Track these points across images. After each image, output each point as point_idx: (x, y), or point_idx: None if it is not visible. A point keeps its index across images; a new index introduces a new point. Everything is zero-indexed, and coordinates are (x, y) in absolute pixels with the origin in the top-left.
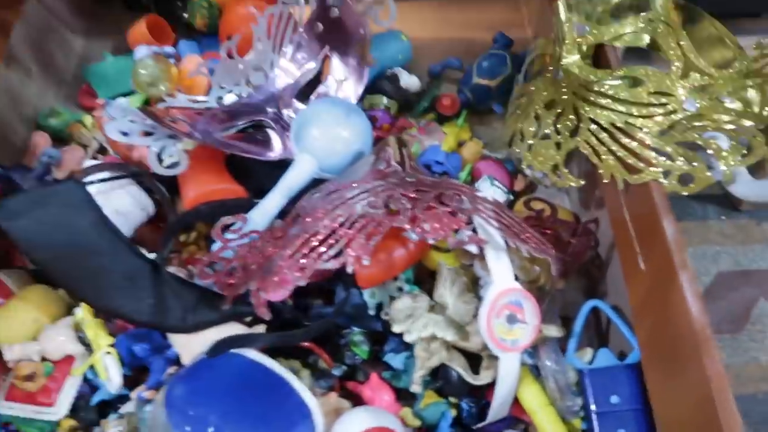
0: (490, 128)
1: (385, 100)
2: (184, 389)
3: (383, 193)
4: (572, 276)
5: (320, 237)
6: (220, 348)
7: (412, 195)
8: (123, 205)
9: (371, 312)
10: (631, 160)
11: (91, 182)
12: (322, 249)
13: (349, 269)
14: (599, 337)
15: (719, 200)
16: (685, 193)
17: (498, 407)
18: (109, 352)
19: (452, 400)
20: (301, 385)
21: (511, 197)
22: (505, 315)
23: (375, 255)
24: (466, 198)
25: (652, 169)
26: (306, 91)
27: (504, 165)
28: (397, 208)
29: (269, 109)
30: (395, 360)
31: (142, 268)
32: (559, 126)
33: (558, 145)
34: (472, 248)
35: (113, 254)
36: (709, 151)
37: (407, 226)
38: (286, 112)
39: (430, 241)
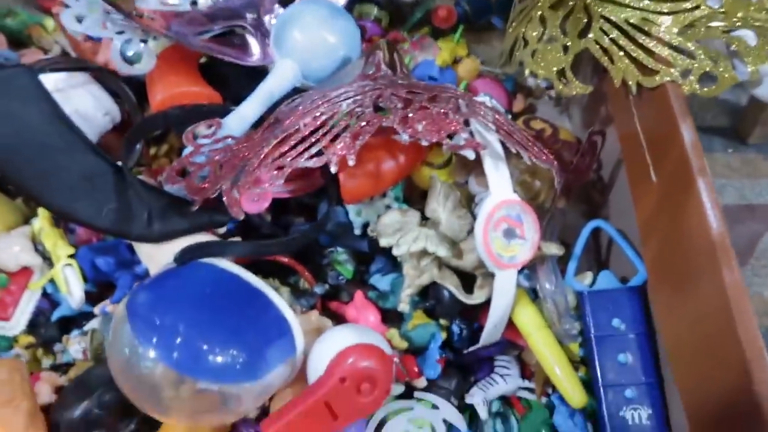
0: (489, 46)
1: (375, 9)
2: (149, 297)
3: (372, 93)
4: (574, 198)
5: (301, 135)
6: (190, 254)
7: (404, 95)
8: (84, 106)
9: (357, 231)
10: (646, 61)
11: (43, 70)
12: (303, 147)
13: (333, 168)
14: (599, 263)
15: (726, 132)
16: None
17: (492, 329)
18: (69, 264)
19: (443, 322)
20: (280, 299)
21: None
22: (503, 228)
23: (362, 166)
24: (464, 102)
25: (669, 69)
26: None
27: (503, 84)
28: (387, 107)
29: (248, 15)
30: (382, 282)
31: (103, 170)
32: (567, 27)
33: (565, 48)
34: (469, 154)
35: (69, 151)
36: (733, 47)
37: (398, 127)
38: (267, 18)
39: (423, 143)
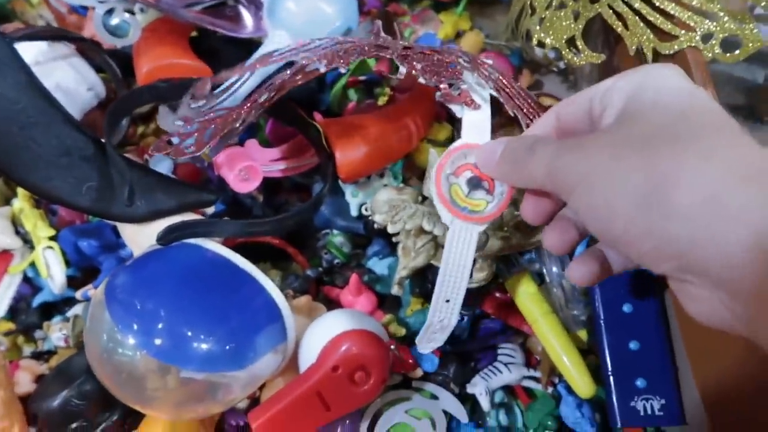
0: (493, 21)
1: None
2: (129, 280)
3: (370, 42)
4: None
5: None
6: (174, 233)
7: (405, 46)
8: (66, 79)
9: (353, 213)
10: (663, 26)
11: (19, 39)
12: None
13: (322, 69)
14: None
15: (742, 111)
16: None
17: (437, 293)
18: (50, 247)
19: None
20: (270, 283)
21: None
22: (466, 176)
23: (360, 142)
24: (466, 57)
25: (689, 33)
26: None
27: (508, 58)
28: (387, 46)
29: None
30: (379, 265)
31: (82, 145)
32: None
33: (576, 15)
34: (457, 110)
35: (45, 125)
36: (759, 11)
37: (396, 60)
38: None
39: (421, 80)
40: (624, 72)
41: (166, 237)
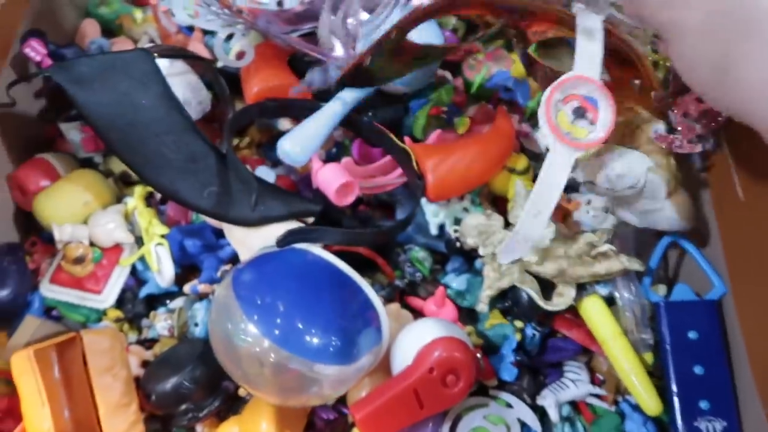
0: (559, 62)
1: (454, 19)
2: (251, 277)
3: None
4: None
5: None
6: (291, 238)
7: None
8: (181, 94)
9: (433, 232)
10: None
11: (159, 54)
12: None
13: None
14: (668, 279)
15: None
16: None
17: (530, 217)
18: (161, 243)
19: (517, 324)
20: (370, 289)
21: None
22: (573, 105)
23: (450, 166)
24: None
25: None
26: None
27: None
28: None
29: (332, 16)
30: (456, 281)
31: (206, 153)
32: None
33: (655, 65)
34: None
35: (178, 133)
36: None
37: None
38: (351, 21)
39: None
40: None
41: (286, 240)
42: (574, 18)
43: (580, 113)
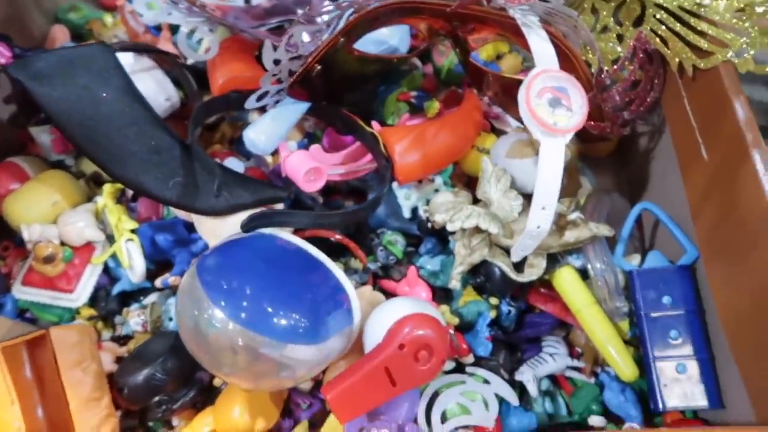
0: None
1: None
2: (216, 262)
3: None
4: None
5: None
6: (257, 221)
7: None
8: (147, 89)
9: (406, 215)
10: (700, 44)
11: (118, 49)
12: None
13: None
14: (643, 246)
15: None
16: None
17: (538, 210)
18: (131, 239)
19: (492, 301)
20: (339, 271)
21: None
22: (547, 98)
23: (416, 147)
24: None
25: (725, 50)
26: None
27: None
28: None
29: (299, 11)
30: (431, 263)
31: (170, 145)
32: (620, 16)
33: (620, 38)
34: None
35: (140, 126)
36: None
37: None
38: (319, 19)
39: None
40: None
41: (250, 224)
42: (514, 21)
43: (556, 103)
